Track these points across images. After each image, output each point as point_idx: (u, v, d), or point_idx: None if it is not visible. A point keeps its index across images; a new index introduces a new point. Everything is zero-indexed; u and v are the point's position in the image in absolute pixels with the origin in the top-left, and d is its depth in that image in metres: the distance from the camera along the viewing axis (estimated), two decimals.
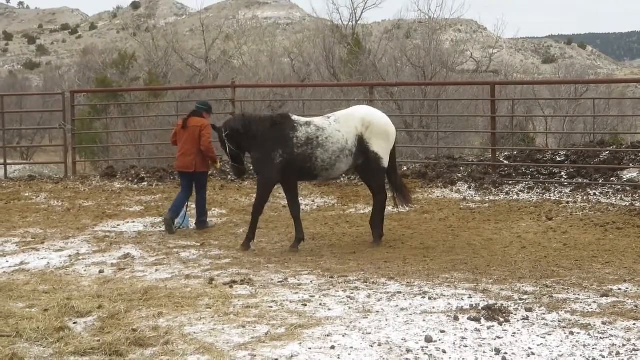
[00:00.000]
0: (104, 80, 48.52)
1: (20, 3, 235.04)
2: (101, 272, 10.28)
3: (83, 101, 38.34)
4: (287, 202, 12.48)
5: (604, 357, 6.61)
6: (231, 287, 9.21)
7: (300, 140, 11.59)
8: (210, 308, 8.27)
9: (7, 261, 11.16)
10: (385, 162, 11.86)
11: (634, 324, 7.50)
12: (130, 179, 18.22)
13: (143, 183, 17.86)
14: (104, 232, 13.24)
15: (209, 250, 11.66)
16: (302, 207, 15.09)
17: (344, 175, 15.29)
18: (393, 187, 12.44)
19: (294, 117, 11.90)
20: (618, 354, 6.67)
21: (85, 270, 10.43)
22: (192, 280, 9.65)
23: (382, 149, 11.75)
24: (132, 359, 6.69)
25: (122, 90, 38.54)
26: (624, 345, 6.90)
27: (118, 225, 13.86)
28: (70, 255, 11.43)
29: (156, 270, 10.37)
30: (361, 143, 11.65)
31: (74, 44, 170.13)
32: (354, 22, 47.03)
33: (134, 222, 14.08)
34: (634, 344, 6.92)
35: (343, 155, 11.69)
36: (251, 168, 14.14)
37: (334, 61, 41.13)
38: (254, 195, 15.14)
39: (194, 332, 7.41)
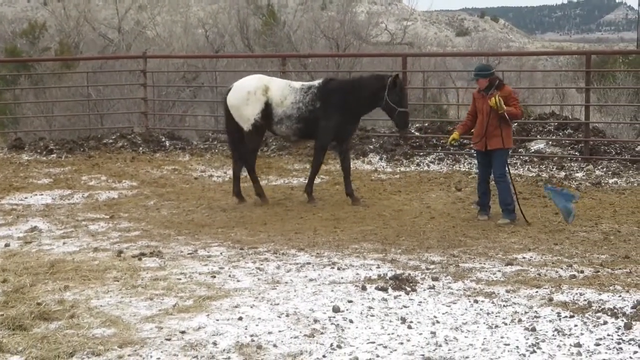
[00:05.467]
0: (13, 50, 47.37)
1: None
2: (7, 245, 10.08)
3: None
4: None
5: (506, 324, 6.75)
6: (140, 259, 9.13)
7: None
8: (118, 281, 8.20)
9: None
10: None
11: (536, 291, 7.68)
12: (39, 150, 17.89)
13: (52, 155, 17.53)
14: (10, 205, 12.96)
15: (118, 223, 11.50)
16: (214, 178, 15.08)
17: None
18: None
19: None
20: (520, 320, 6.82)
21: None
22: (100, 253, 9.53)
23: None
24: (36, 332, 6.59)
25: (32, 60, 37.73)
26: (526, 312, 7.05)
27: (25, 198, 13.57)
28: None
29: (64, 243, 10.21)
30: None
31: None
32: None
33: (42, 194, 13.79)
34: (535, 311, 7.08)
35: None
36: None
37: (248, 32, 40.86)
38: (165, 167, 15.13)
39: (101, 305, 7.34)
